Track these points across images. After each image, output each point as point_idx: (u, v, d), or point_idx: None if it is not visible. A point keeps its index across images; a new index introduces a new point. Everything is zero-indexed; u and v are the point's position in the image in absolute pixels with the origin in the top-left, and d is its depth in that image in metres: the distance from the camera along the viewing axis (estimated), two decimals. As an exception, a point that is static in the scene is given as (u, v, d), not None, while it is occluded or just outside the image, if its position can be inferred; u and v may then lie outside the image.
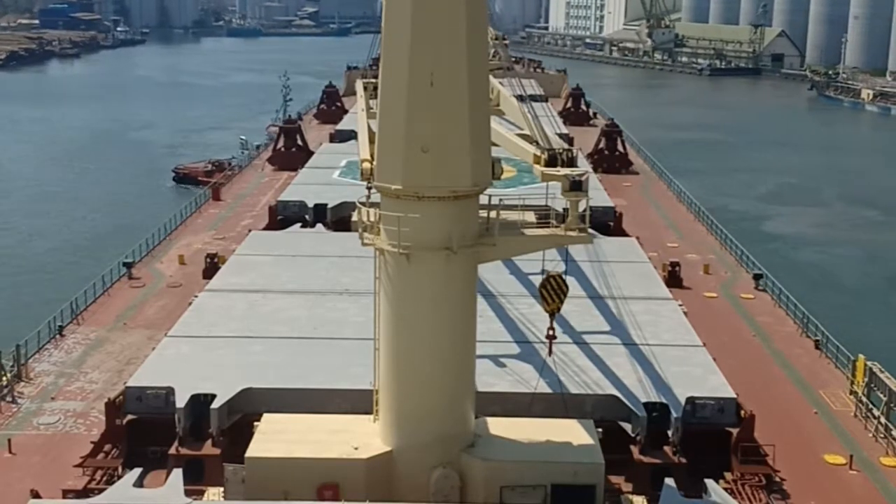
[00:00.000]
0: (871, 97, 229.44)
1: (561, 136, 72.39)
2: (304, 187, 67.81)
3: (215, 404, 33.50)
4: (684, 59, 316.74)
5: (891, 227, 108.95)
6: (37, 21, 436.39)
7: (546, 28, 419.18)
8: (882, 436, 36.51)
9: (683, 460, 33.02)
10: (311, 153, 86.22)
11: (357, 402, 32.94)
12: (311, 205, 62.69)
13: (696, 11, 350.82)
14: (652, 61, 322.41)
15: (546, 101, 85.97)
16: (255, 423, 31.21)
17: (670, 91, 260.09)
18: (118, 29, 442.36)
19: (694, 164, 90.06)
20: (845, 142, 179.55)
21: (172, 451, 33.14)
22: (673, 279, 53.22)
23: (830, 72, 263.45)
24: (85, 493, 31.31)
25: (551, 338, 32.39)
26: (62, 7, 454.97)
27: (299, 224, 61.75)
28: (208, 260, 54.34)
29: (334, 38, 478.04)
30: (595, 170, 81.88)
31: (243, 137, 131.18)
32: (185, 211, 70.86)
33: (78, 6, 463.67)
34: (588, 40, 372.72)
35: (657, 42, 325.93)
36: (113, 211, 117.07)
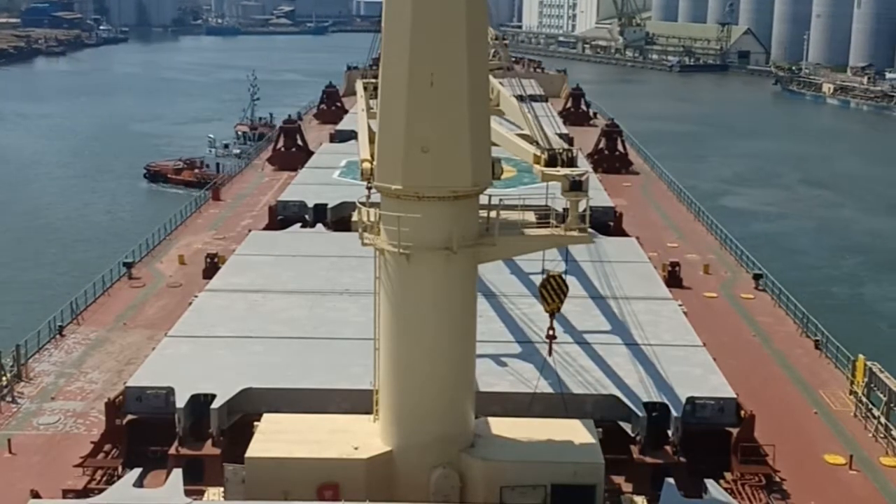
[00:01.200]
0: (831, 91, 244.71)
1: (561, 136, 72.38)
2: (304, 187, 67.79)
3: (215, 404, 33.49)
4: (655, 56, 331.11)
5: (841, 206, 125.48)
6: (18, 20, 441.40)
7: (520, 27, 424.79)
8: (882, 436, 36.51)
9: (683, 460, 33.02)
10: (311, 153, 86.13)
11: (357, 402, 32.94)
12: (311, 205, 62.65)
13: (665, 10, 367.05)
14: (624, 58, 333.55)
15: (546, 101, 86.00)
16: (255, 423, 31.20)
17: (642, 86, 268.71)
18: (101, 27, 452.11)
19: (667, 151, 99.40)
20: (807, 132, 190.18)
21: (172, 451, 33.12)
22: (673, 279, 53.20)
23: (794, 68, 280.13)
24: (85, 493, 31.31)
25: (551, 338, 32.39)
26: (44, 6, 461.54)
27: (299, 224, 61.72)
28: (208, 260, 54.32)
29: (312, 37, 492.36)
30: (595, 170, 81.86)
31: (211, 136, 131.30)
32: (185, 211, 70.87)
33: (59, 5, 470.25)
34: (561, 38, 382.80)
35: (628, 40, 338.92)
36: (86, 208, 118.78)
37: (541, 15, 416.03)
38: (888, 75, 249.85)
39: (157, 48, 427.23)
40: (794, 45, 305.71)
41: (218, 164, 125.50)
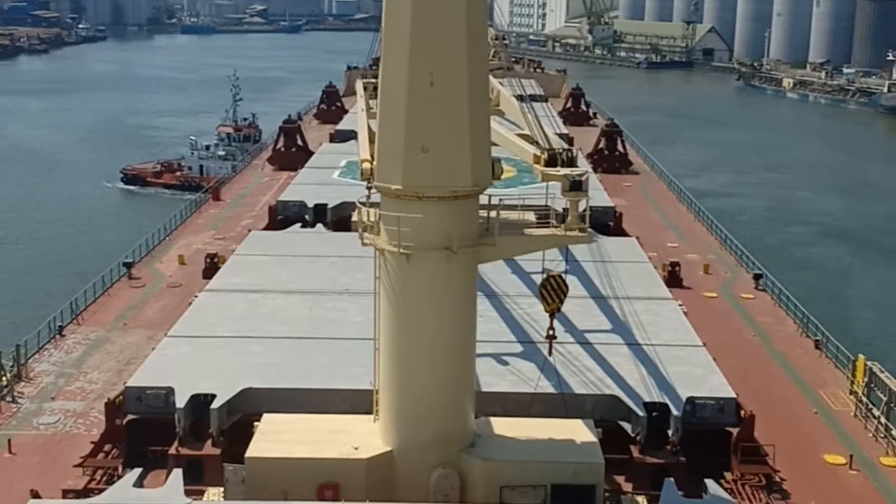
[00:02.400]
0: (791, 86, 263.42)
1: (561, 136, 72.34)
2: (304, 187, 67.78)
3: (215, 404, 33.48)
4: (622, 53, 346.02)
5: (792, 187, 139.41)
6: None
7: (490, 25, 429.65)
8: (882, 436, 36.52)
9: (683, 460, 33.02)
10: (311, 153, 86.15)
11: (357, 402, 32.93)
12: (311, 205, 62.63)
13: (632, 9, 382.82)
14: (593, 56, 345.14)
15: (546, 101, 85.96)
16: (255, 423, 31.19)
17: (612, 82, 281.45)
18: (80, 26, 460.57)
19: (637, 139, 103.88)
20: (768, 123, 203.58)
21: (172, 451, 33.12)
22: (673, 279, 53.20)
23: (756, 64, 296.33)
24: (85, 493, 31.31)
25: (551, 338, 32.40)
26: (23, 5, 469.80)
27: (299, 224, 61.72)
28: (208, 260, 54.33)
29: (286, 35, 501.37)
30: (595, 170, 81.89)
31: (193, 138, 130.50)
32: (185, 211, 70.88)
33: (36, 4, 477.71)
34: (531, 37, 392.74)
35: (597, 38, 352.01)
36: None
37: (511, 14, 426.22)
38: (845, 71, 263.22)
39: (137, 46, 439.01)
40: (755, 43, 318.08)
41: (201, 167, 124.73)
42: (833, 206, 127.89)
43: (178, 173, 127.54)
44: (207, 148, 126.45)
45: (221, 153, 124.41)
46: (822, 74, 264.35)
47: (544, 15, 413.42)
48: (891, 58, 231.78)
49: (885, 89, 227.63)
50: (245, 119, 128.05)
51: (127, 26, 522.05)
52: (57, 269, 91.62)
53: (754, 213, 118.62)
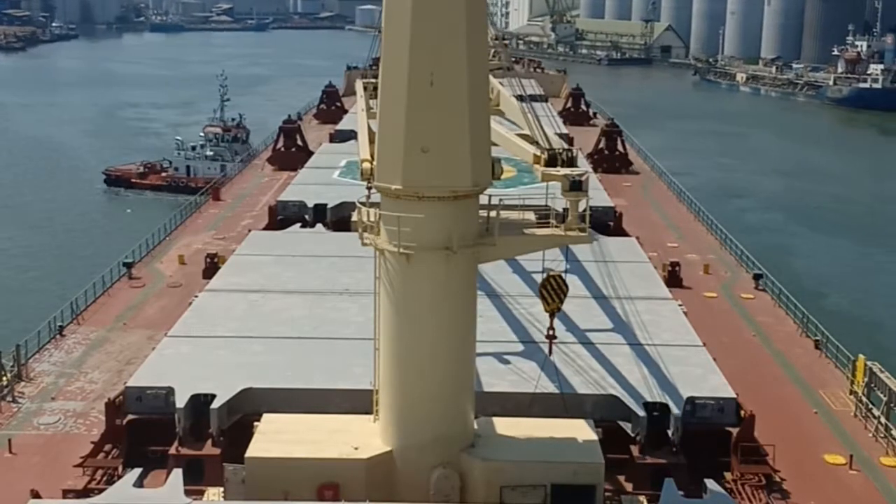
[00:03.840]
0: (744, 80, 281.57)
1: (561, 136, 72.34)
2: (304, 187, 67.78)
3: (215, 404, 33.47)
4: (584, 51, 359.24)
5: (743, 169, 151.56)
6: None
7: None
8: (882, 436, 36.51)
9: (683, 460, 33.02)
10: (311, 153, 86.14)
11: (357, 402, 32.92)
12: (311, 205, 62.62)
13: (593, 8, 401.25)
14: (556, 53, 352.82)
15: (546, 101, 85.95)
16: (255, 423, 31.20)
17: (575, 76, 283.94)
18: (53, 24, 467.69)
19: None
20: (722, 114, 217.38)
21: (172, 451, 33.11)
22: (673, 279, 53.19)
23: (711, 60, 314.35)
24: (85, 493, 31.31)
25: (551, 338, 32.40)
26: None
27: (299, 224, 61.73)
28: (208, 260, 54.32)
29: (254, 33, 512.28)
30: (595, 170, 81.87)
31: (179, 138, 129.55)
32: (185, 211, 70.87)
33: (7, 2, 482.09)
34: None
35: (560, 36, 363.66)
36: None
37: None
38: (794, 66, 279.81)
39: (111, 45, 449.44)
40: (710, 40, 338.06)
41: (188, 167, 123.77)
42: (778, 184, 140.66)
43: (163, 174, 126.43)
44: (194, 149, 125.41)
45: (209, 153, 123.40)
46: (773, 69, 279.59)
47: (508, 13, 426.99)
48: (836, 53, 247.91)
49: (831, 82, 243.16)
50: (233, 119, 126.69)
51: (96, 25, 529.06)
52: (35, 274, 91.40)
53: (708, 190, 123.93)
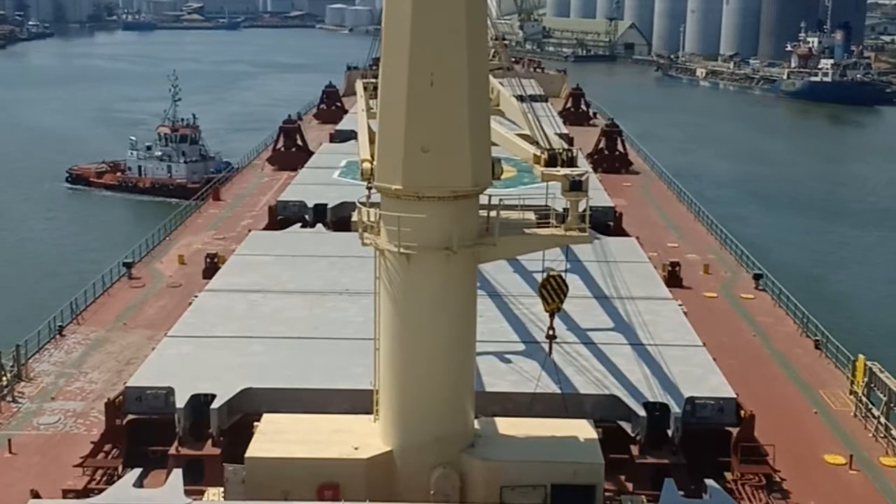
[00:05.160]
0: (704, 75, 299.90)
1: (561, 136, 72.36)
2: (304, 187, 67.79)
3: (215, 404, 33.48)
4: (551, 48, 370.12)
5: (702, 154, 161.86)
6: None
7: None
8: (882, 436, 36.52)
9: (683, 460, 33.02)
10: (311, 153, 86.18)
11: (357, 402, 32.93)
12: (311, 205, 62.65)
13: (559, 7, 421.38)
14: (524, 50, 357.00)
15: (546, 101, 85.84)
16: (255, 423, 31.20)
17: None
18: (30, 23, 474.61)
19: None
20: (684, 106, 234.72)
21: (172, 451, 33.13)
22: (673, 279, 53.20)
23: (672, 56, 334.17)
24: (85, 493, 31.34)
25: (551, 338, 32.39)
26: None
27: (299, 224, 61.72)
28: (208, 260, 54.33)
29: (225, 31, 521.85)
30: (595, 170, 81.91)
31: (133, 137, 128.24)
32: (185, 211, 70.87)
33: None
34: None
35: (527, 33, 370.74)
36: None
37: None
38: (751, 62, 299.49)
39: (88, 42, 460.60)
40: (672, 37, 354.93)
41: (140, 167, 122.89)
42: (736, 167, 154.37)
43: (117, 174, 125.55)
44: (148, 148, 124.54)
45: (158, 154, 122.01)
46: (731, 65, 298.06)
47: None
48: (789, 49, 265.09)
49: (785, 77, 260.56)
50: (183, 119, 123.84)
51: (69, 23, 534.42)
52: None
53: (671, 172, 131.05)
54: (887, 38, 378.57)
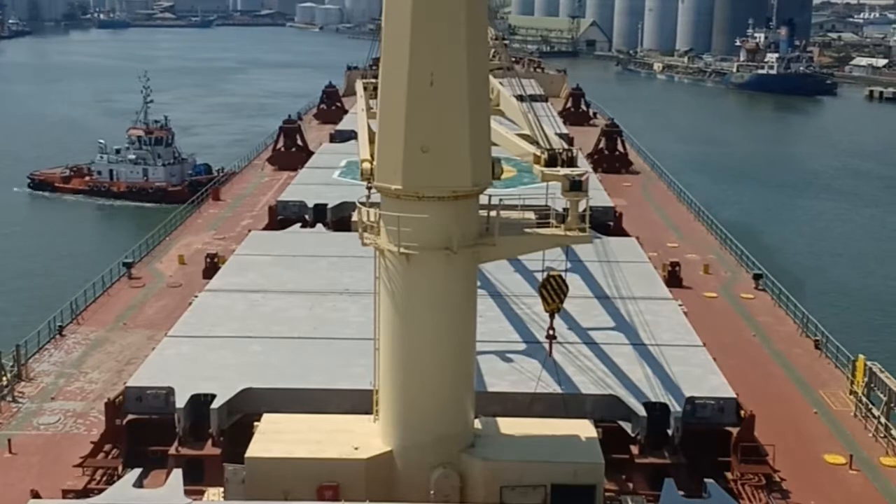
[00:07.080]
0: (660, 69, 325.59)
1: (561, 136, 72.34)
2: (304, 187, 67.81)
3: (215, 404, 33.49)
4: (516, 45, 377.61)
5: (658, 139, 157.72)
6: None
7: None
8: (882, 436, 36.52)
9: (683, 460, 33.02)
10: (311, 153, 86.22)
11: (357, 402, 32.93)
12: (311, 205, 62.67)
13: (523, 5, 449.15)
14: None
15: (546, 101, 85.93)
16: (255, 423, 31.19)
17: None
18: (10, 21, 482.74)
19: None
20: (642, 97, 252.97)
21: (172, 451, 33.14)
22: (673, 279, 53.20)
23: (631, 52, 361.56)
24: (85, 493, 31.33)
25: (551, 338, 32.40)
26: None
27: (299, 224, 61.74)
28: (208, 260, 54.33)
29: (198, 30, 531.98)
30: (595, 170, 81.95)
31: (101, 141, 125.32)
32: (185, 211, 70.86)
33: None
34: None
35: (493, 31, 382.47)
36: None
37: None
38: (704, 57, 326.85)
39: (67, 39, 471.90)
40: (631, 34, 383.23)
41: (111, 171, 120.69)
42: (689, 148, 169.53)
43: (86, 178, 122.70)
44: (118, 152, 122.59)
45: (132, 157, 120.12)
46: (686, 60, 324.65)
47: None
48: (738, 44, 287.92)
49: (734, 70, 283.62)
50: (156, 121, 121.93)
51: (44, 22, 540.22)
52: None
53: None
54: (834, 35, 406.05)
